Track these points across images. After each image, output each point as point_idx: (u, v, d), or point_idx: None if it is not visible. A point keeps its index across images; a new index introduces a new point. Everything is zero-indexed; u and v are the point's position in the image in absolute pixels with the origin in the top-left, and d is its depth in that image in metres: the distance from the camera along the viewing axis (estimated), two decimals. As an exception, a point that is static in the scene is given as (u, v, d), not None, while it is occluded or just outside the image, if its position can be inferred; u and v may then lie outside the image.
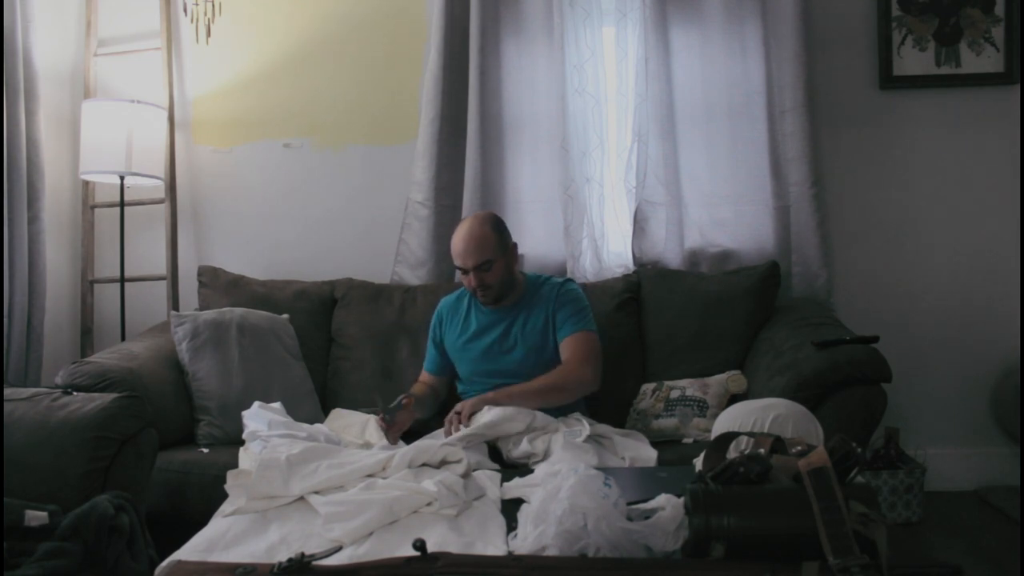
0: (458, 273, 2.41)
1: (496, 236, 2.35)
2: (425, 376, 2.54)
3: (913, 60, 3.02)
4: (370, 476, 1.68)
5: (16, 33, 2.81)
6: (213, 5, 2.91)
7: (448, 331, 2.49)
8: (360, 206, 3.20)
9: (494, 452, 2.06)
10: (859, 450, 1.28)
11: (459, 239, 2.36)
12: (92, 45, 3.24)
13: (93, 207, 3.24)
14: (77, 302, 3.25)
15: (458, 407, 2.17)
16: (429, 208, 3.00)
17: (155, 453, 1.88)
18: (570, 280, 2.52)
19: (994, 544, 2.48)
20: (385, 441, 2.08)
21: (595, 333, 2.38)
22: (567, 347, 2.34)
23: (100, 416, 1.74)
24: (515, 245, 2.46)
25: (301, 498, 1.60)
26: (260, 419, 2.06)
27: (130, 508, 1.58)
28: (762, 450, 1.35)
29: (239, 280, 2.91)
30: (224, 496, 1.64)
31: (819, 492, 1.17)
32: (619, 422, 2.40)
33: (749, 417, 1.66)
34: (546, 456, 1.98)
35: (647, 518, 1.31)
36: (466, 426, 2.08)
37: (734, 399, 2.35)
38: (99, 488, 1.68)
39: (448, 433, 2.11)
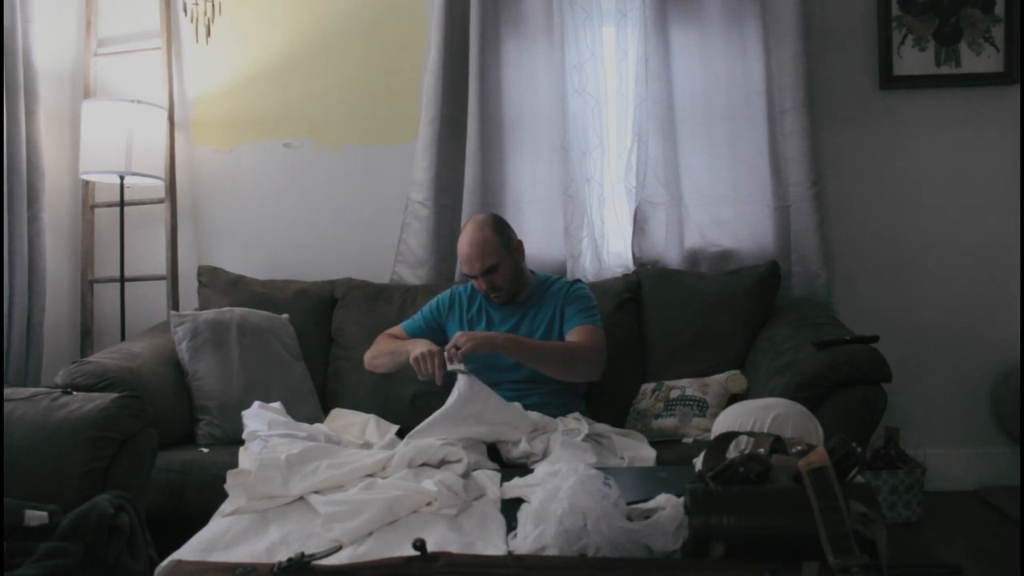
0: (460, 274, 2.41)
1: (498, 237, 2.37)
2: (401, 333, 2.54)
3: (913, 60, 3.02)
4: (370, 476, 1.68)
5: (16, 33, 2.81)
6: (213, 5, 2.91)
7: (453, 319, 2.50)
8: (360, 206, 3.20)
9: (493, 452, 2.06)
10: (859, 450, 1.28)
11: (462, 246, 2.39)
12: (92, 45, 3.23)
13: (93, 207, 3.24)
14: (77, 302, 3.25)
15: (459, 341, 2.15)
16: (429, 208, 3.01)
17: (155, 453, 1.88)
18: (580, 280, 2.58)
19: (994, 544, 2.48)
20: (385, 441, 2.08)
21: (602, 330, 2.40)
22: (576, 334, 2.35)
23: (100, 416, 1.74)
24: (520, 242, 2.47)
25: (301, 498, 1.60)
26: (260, 419, 2.07)
27: (130, 508, 1.58)
28: (762, 450, 1.35)
29: (239, 280, 2.91)
30: (224, 496, 1.64)
31: (819, 492, 1.17)
32: (618, 422, 2.40)
33: (749, 417, 1.66)
34: (545, 456, 1.99)
35: (647, 518, 1.31)
36: (459, 362, 2.09)
37: (734, 399, 2.35)
38: (99, 488, 1.68)
39: (450, 360, 2.11)
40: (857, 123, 3.04)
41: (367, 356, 2.52)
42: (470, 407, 2.01)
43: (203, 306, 2.83)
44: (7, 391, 1.86)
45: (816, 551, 1.13)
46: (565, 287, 2.47)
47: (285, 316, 2.74)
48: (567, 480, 1.34)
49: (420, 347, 2.24)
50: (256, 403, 2.14)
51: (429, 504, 1.55)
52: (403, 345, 2.39)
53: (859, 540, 1.13)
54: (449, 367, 2.13)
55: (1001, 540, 2.50)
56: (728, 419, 1.71)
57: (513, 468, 1.94)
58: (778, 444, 1.38)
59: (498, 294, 2.41)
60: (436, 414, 2.01)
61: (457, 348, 2.13)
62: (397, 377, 2.52)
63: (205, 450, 2.32)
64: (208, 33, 2.93)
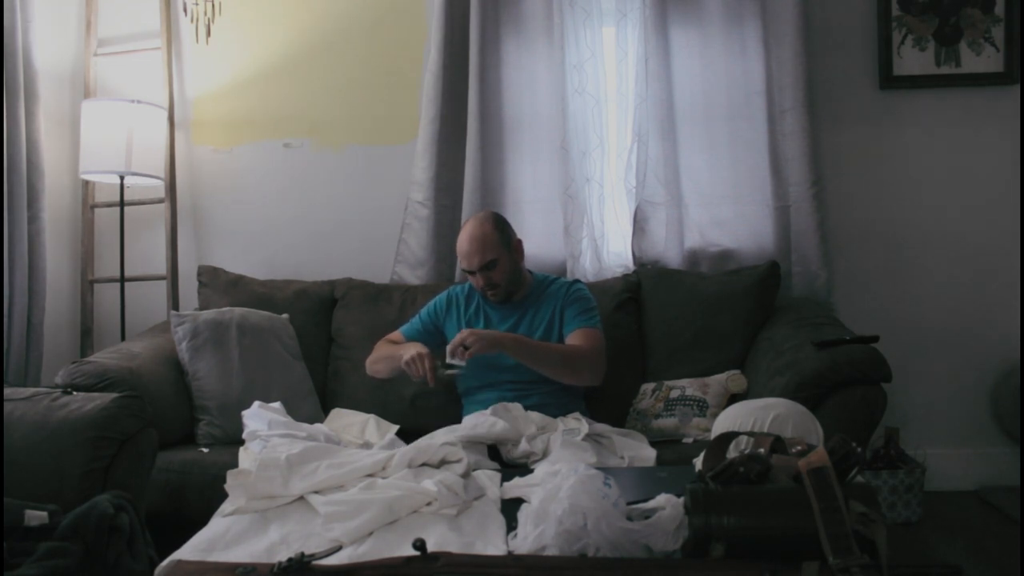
0: (460, 274, 2.41)
1: (498, 234, 2.38)
2: (399, 338, 2.55)
3: (913, 60, 3.02)
4: (370, 476, 1.68)
5: (16, 33, 2.81)
6: (213, 5, 2.91)
7: (451, 320, 2.50)
8: (360, 206, 3.20)
9: (493, 452, 2.06)
10: (859, 450, 1.28)
11: (462, 241, 2.40)
12: (92, 45, 3.23)
13: (93, 207, 3.24)
14: (77, 302, 3.25)
15: (466, 338, 2.17)
16: (429, 208, 3.01)
17: (155, 453, 1.88)
18: (579, 281, 2.58)
19: (994, 544, 2.48)
20: (385, 441, 2.08)
21: (602, 333, 2.39)
22: (577, 338, 2.35)
23: (100, 416, 1.74)
24: (519, 241, 2.47)
25: (301, 498, 1.60)
26: (260, 419, 2.07)
27: (130, 508, 1.58)
28: (762, 450, 1.35)
29: (239, 280, 2.91)
30: (224, 496, 1.64)
31: (819, 492, 1.17)
32: (618, 422, 2.40)
33: (749, 417, 1.66)
34: (545, 456, 1.99)
35: (647, 518, 1.31)
36: (461, 360, 2.12)
37: (734, 399, 2.35)
38: (99, 488, 1.68)
39: (451, 356, 2.15)
40: (857, 123, 3.04)
41: (367, 362, 2.54)
42: (476, 432, 2.02)
43: (203, 306, 2.83)
44: (7, 391, 1.86)
45: (816, 551, 1.13)
46: (564, 287, 2.47)
47: (285, 316, 2.74)
48: (567, 480, 1.34)
49: (411, 350, 2.26)
50: (256, 403, 2.14)
51: (429, 504, 1.55)
52: (397, 350, 2.40)
53: (859, 540, 1.13)
54: (449, 360, 2.14)
55: (1001, 540, 2.50)
56: (728, 419, 1.71)
57: (513, 468, 1.94)
58: (778, 444, 1.38)
59: (495, 292, 2.40)
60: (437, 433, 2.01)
61: (465, 347, 2.14)
62: (397, 378, 2.52)
63: (205, 450, 2.32)
64: (208, 33, 2.93)
